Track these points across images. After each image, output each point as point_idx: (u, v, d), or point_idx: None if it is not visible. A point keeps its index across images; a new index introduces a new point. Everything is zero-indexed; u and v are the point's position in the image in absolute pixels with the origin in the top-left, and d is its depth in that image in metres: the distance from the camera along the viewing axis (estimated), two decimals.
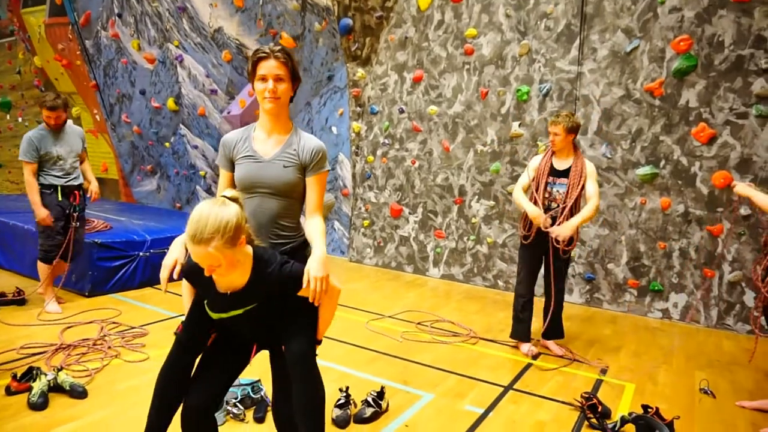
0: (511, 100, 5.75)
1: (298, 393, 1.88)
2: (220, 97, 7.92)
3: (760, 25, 4.50)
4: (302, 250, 2.13)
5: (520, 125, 5.71)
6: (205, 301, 1.90)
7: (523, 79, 5.65)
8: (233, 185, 2.14)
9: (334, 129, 7.09)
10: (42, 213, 4.27)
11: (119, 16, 8.61)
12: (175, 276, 1.90)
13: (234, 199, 1.74)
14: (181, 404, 1.96)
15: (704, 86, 4.78)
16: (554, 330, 4.08)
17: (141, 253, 5.26)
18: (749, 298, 4.69)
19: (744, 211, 4.68)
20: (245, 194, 2.07)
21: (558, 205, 3.80)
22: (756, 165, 4.62)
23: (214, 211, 1.64)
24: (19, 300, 4.57)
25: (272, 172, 2.03)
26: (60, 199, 4.37)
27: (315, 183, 2.09)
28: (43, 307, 4.41)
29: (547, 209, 3.83)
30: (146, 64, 8.59)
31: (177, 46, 8.09)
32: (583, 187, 3.77)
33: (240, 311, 1.84)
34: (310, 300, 1.82)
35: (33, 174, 4.26)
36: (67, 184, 4.42)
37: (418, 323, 4.61)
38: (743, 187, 3.13)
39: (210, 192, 8.49)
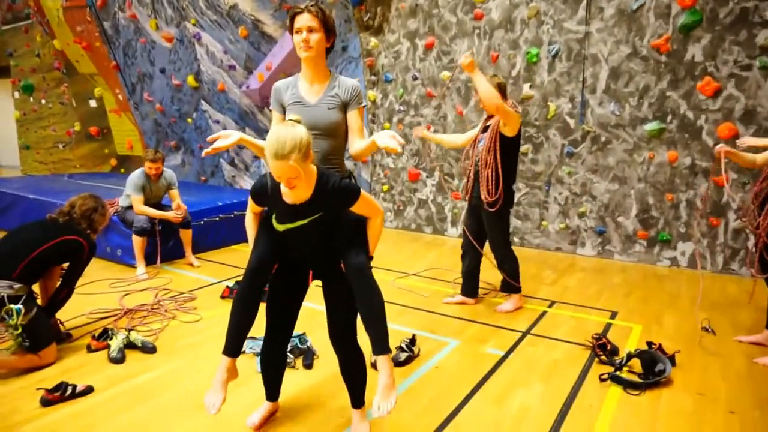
0: (521, 62, 5.93)
1: (362, 301, 2.15)
2: (239, 72, 8.16)
3: None
4: None
5: (530, 87, 5.91)
6: (273, 216, 2.20)
7: (532, 42, 5.82)
8: None
9: None
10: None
11: None
12: (228, 143, 2.23)
13: (298, 121, 2.05)
14: (263, 349, 2.45)
15: (709, 40, 4.93)
16: (505, 284, 4.22)
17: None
18: (753, 243, 4.94)
19: None
20: None
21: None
22: (760, 115, 4.81)
23: (290, 131, 1.96)
24: None
25: (319, 115, 2.31)
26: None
27: (355, 116, 2.39)
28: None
29: (476, 163, 4.02)
30: (165, 43, 8.82)
31: (194, 24, 8.30)
32: (497, 136, 3.83)
33: (305, 221, 2.15)
34: (393, 151, 2.08)
35: (140, 203, 5.28)
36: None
37: (441, 280, 4.97)
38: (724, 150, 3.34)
39: (233, 164, 8.83)
